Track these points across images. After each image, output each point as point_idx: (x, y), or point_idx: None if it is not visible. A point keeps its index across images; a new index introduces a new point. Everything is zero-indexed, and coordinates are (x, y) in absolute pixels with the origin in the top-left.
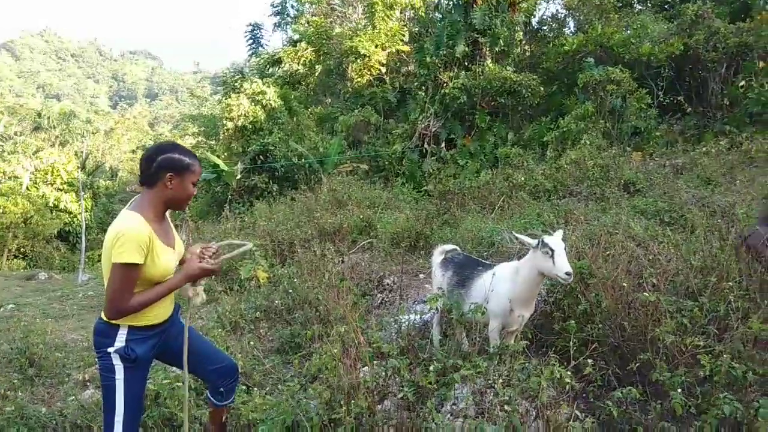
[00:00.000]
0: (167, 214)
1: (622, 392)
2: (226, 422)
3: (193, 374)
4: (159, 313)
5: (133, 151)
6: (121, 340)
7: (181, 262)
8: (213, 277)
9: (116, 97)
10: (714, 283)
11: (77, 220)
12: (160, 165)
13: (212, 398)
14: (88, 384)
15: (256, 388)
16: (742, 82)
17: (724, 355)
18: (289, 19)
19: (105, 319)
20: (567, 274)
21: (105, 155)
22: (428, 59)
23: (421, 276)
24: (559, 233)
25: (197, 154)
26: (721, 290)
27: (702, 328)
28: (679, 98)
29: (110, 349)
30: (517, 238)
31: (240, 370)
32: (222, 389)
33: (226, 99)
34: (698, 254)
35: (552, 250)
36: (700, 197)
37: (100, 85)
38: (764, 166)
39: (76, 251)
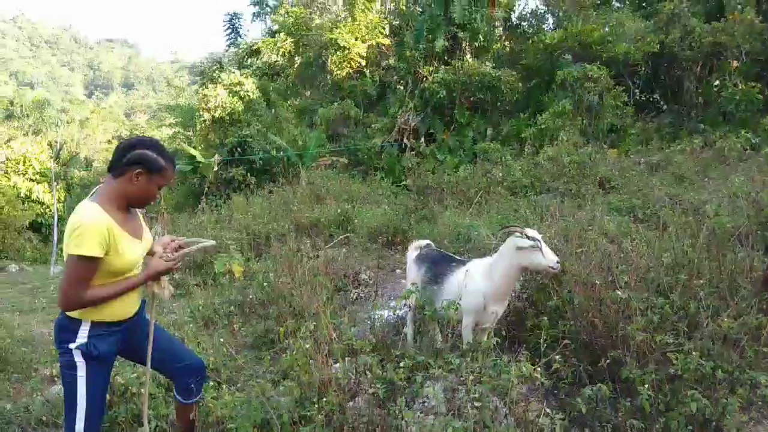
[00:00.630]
0: None
1: (592, 389)
2: (194, 420)
3: (159, 372)
4: (123, 309)
5: (109, 141)
6: (83, 335)
7: (150, 253)
8: (174, 272)
9: (92, 85)
10: (685, 280)
11: (50, 211)
12: (133, 158)
13: (179, 396)
14: (56, 379)
15: (224, 386)
16: (717, 82)
17: (694, 353)
18: (268, 10)
19: (66, 313)
20: (557, 263)
21: (80, 145)
22: (408, 53)
23: (398, 271)
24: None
25: (175, 146)
26: (692, 288)
27: (672, 326)
28: (654, 96)
29: (71, 345)
30: (507, 233)
31: (211, 366)
32: (190, 387)
33: (203, 89)
34: (670, 252)
35: (539, 243)
36: (673, 195)
37: (75, 74)
38: (737, 165)
39: (48, 243)
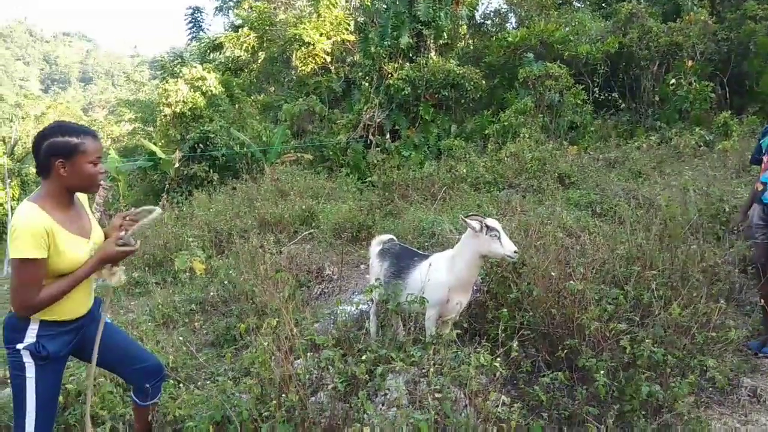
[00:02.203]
0: (81, 200)
1: (549, 378)
2: (152, 421)
3: (115, 374)
4: (74, 307)
5: None
6: (31, 335)
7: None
8: (131, 256)
9: (48, 80)
10: (638, 271)
11: (3, 209)
12: (46, 153)
13: (136, 398)
14: (8, 381)
15: (182, 384)
16: (673, 80)
17: (647, 340)
18: (231, 4)
19: (15, 312)
20: (515, 252)
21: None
22: (373, 50)
23: (362, 267)
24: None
25: (135, 142)
26: (645, 279)
27: (626, 315)
28: (613, 95)
29: (20, 346)
30: (465, 221)
31: (170, 365)
32: (148, 388)
33: (164, 84)
34: (625, 244)
35: (498, 232)
36: (629, 190)
37: (31, 68)
38: (691, 161)
39: (2, 242)
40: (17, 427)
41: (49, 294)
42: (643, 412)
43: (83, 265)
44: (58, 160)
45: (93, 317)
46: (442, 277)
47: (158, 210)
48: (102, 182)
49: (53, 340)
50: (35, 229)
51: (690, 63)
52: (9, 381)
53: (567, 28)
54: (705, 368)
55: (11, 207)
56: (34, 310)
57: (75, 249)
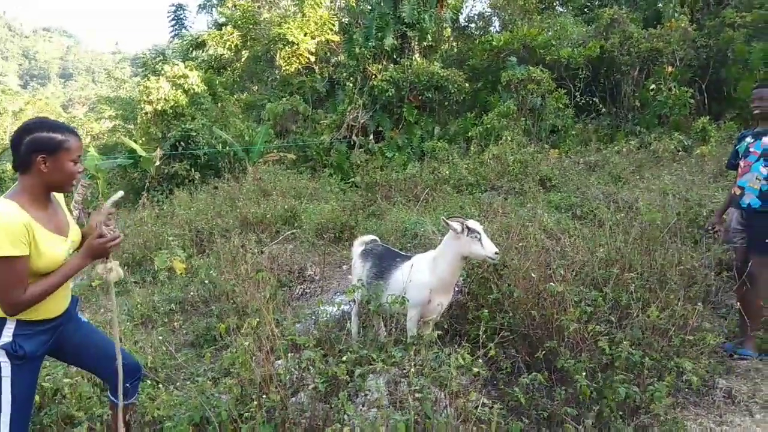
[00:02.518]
0: (58, 198)
1: (529, 378)
2: (129, 421)
3: (93, 373)
4: (51, 307)
5: None
6: (7, 335)
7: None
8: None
9: (27, 76)
10: (617, 274)
11: None
12: (28, 148)
13: (113, 398)
14: None
15: (161, 385)
16: (653, 86)
17: (624, 342)
18: (214, 2)
19: None
20: (495, 254)
21: None
22: (357, 50)
23: (344, 267)
24: (473, 220)
25: (115, 140)
26: (624, 281)
27: (605, 316)
28: (594, 99)
29: None
30: (446, 223)
31: (149, 365)
32: (126, 388)
33: (145, 81)
34: (604, 247)
35: (479, 234)
36: (609, 193)
37: (9, 63)
38: (670, 165)
39: None
40: None
41: (38, 291)
42: (621, 413)
43: (70, 262)
44: (40, 155)
45: (70, 316)
46: (424, 278)
47: (120, 192)
48: (79, 181)
49: (30, 340)
50: (15, 225)
51: (670, 69)
52: None
53: (549, 33)
54: (681, 370)
55: None
56: (23, 309)
57: (53, 248)
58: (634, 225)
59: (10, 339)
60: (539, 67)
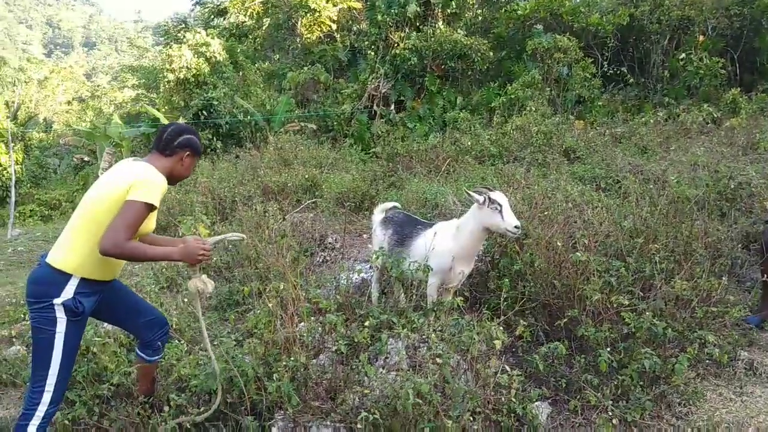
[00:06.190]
0: None
1: (549, 347)
2: (155, 378)
3: (122, 327)
4: (113, 270)
5: (69, 103)
6: (69, 291)
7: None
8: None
9: (51, 44)
10: (642, 244)
11: (7, 173)
12: (186, 141)
13: (142, 354)
14: (14, 341)
15: (188, 345)
16: (683, 55)
17: (647, 313)
18: None
19: (54, 266)
20: (516, 227)
21: (39, 106)
22: (380, 18)
23: (365, 236)
24: (499, 192)
25: (138, 108)
26: (648, 252)
27: (628, 287)
28: (622, 69)
29: (56, 300)
30: (468, 194)
31: (174, 327)
32: (157, 342)
33: (167, 49)
34: (629, 218)
35: (500, 205)
36: (636, 165)
37: (34, 32)
38: (698, 137)
39: (5, 205)
40: (37, 381)
41: (136, 248)
42: (641, 383)
43: (167, 249)
44: (187, 152)
45: (113, 284)
46: (448, 245)
47: (243, 236)
48: (106, 148)
49: (88, 298)
50: (164, 186)
51: (701, 38)
52: (13, 340)
53: (578, 0)
54: (704, 342)
55: (15, 171)
56: (118, 252)
57: (152, 218)
58: (662, 196)
59: (72, 296)
60: (566, 36)
